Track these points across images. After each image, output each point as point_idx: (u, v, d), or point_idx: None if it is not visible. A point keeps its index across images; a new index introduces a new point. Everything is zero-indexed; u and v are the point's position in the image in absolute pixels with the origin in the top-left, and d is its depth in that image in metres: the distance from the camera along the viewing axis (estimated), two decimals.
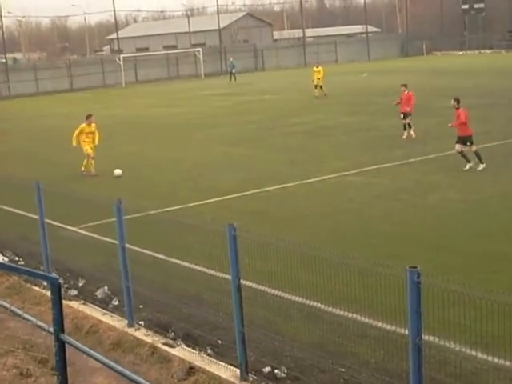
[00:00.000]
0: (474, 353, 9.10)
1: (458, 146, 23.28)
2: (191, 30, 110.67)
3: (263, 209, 19.71)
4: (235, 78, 72.53)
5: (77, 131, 26.63)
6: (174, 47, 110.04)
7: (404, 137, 29.67)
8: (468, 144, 23.03)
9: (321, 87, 49.91)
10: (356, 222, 17.76)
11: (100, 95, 67.74)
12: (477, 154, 22.88)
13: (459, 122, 23.31)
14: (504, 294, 8.00)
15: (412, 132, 29.79)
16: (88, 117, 26.91)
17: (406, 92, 30.67)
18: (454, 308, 8.72)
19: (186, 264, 13.95)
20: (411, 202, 19.40)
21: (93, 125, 26.73)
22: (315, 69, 50.78)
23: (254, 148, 30.09)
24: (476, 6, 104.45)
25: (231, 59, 78.80)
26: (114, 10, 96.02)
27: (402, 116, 30.16)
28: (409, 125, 30.11)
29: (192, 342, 11.05)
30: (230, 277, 9.87)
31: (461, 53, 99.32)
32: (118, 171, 25.48)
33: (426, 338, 7.85)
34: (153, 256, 15.10)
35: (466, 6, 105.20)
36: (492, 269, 13.46)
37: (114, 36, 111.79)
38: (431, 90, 48.99)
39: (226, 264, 9.93)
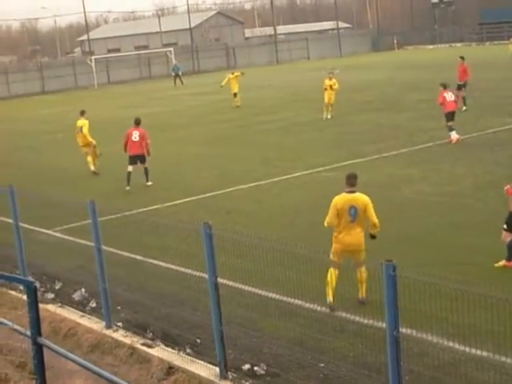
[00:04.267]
0: (451, 344, 9.16)
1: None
2: (162, 29, 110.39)
3: (239, 207, 19.73)
4: (182, 82, 70.29)
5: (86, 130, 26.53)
6: (146, 47, 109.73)
7: (464, 109, 32.54)
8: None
9: (331, 106, 36.48)
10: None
11: (72, 97, 67.39)
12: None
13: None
14: (479, 285, 8.06)
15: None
16: (82, 113, 26.94)
17: (462, 64, 33.90)
18: (431, 300, 8.79)
19: (163, 264, 13.95)
20: (386, 196, 19.46)
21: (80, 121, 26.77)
22: (328, 82, 36.78)
23: (228, 146, 30.08)
24: None
25: (175, 62, 78.09)
26: (85, 12, 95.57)
27: (457, 86, 32.91)
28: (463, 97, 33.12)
29: (171, 341, 11.05)
30: (207, 275, 9.87)
31: (432, 47, 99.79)
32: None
33: (403, 330, 7.89)
34: (130, 257, 15.06)
35: (436, 0, 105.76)
36: (468, 261, 13.55)
37: (84, 38, 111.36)
38: (403, 85, 49.25)
39: (203, 263, 9.93)
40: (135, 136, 23.31)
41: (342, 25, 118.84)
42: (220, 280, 9.94)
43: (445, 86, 27.71)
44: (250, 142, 30.95)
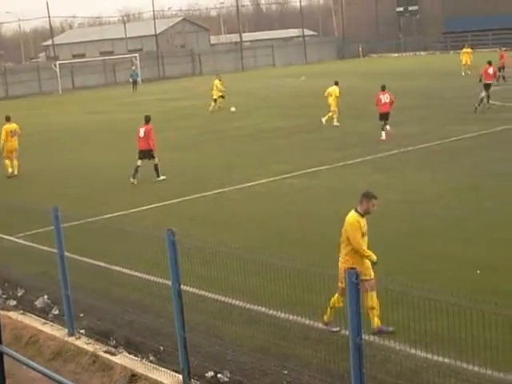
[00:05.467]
0: (414, 351, 9.22)
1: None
2: (128, 35, 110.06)
3: (203, 213, 19.69)
4: (136, 88, 71.02)
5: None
6: (111, 53, 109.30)
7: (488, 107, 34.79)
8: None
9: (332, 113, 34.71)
10: (297, 224, 17.83)
11: (36, 102, 66.94)
12: None
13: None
14: (443, 292, 8.11)
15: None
16: (8, 118, 27.50)
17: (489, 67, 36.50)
18: (394, 308, 8.82)
19: (127, 271, 13.87)
20: (351, 203, 19.45)
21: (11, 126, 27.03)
22: (330, 90, 35.08)
23: (194, 153, 30.03)
24: (410, 8, 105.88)
25: (133, 68, 78.01)
26: (49, 17, 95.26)
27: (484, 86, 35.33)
28: (488, 96, 35.51)
29: (134, 349, 10.98)
30: (170, 282, 9.83)
31: (396, 55, 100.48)
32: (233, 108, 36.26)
33: (366, 337, 7.91)
34: (93, 263, 14.97)
35: (401, 9, 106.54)
36: (433, 268, 13.62)
37: (49, 43, 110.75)
38: (367, 92, 49.43)
39: (167, 270, 9.89)
40: (141, 132, 24.80)
41: (307, 32, 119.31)
42: (183, 287, 9.91)
43: (383, 88, 30.11)
44: (216, 148, 30.92)
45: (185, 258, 10.09)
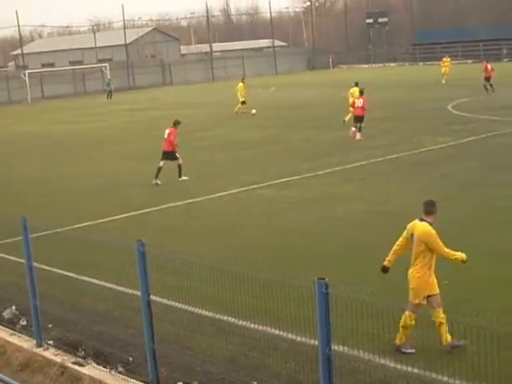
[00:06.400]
0: (383, 361, 9.24)
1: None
2: (97, 45, 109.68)
3: (173, 224, 19.64)
4: (111, 97, 71.71)
5: None
6: (81, 63, 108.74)
7: None
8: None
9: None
10: (266, 234, 17.85)
11: (5, 112, 66.48)
12: None
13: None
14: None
15: None
16: None
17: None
18: (363, 317, 8.84)
19: (96, 281, 13.80)
20: (320, 213, 19.60)
21: None
22: (352, 90, 36.69)
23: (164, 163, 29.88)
24: (380, 20, 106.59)
25: (109, 77, 77.88)
26: (18, 26, 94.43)
27: None
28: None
29: (102, 360, 10.91)
30: (139, 293, 9.79)
31: (366, 66, 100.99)
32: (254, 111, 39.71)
33: (335, 348, 7.92)
34: (62, 274, 14.87)
35: (371, 20, 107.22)
36: (400, 278, 13.65)
37: (18, 52, 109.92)
38: (337, 103, 49.66)
39: (136, 280, 9.86)
40: (166, 133, 25.94)
41: (277, 43, 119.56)
42: (153, 297, 9.88)
43: (361, 93, 33.26)
44: (186, 158, 30.79)
45: (154, 268, 10.06)
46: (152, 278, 9.83)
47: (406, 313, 10.30)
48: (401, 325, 10.36)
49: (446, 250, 10.69)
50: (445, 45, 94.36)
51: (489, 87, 47.94)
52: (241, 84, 47.79)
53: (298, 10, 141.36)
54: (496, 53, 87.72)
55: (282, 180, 24.20)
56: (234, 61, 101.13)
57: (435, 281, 10.60)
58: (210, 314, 10.88)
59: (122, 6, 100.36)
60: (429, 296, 10.35)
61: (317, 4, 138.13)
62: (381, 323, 8.51)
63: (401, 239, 11.19)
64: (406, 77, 69.29)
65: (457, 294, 12.08)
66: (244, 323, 10.72)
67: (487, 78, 48.49)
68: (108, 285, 13.00)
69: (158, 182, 25.01)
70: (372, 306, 7.96)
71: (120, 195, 23.94)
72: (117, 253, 11.23)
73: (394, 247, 11.27)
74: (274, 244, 16.87)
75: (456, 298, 11.61)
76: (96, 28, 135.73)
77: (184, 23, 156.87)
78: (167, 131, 25.85)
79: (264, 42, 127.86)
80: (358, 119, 32.37)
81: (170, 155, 25.55)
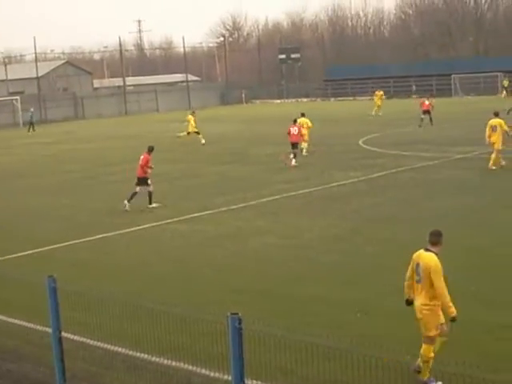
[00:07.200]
0: None
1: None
2: (9, 77, 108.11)
3: (85, 259, 19.40)
4: (33, 129, 71.99)
5: None
6: None
7: None
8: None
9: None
10: (179, 269, 17.80)
11: None
12: None
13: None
14: (322, 336, 8.23)
15: None
16: None
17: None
18: (276, 352, 8.89)
19: (4, 318, 13.53)
20: (233, 248, 19.64)
21: None
22: (302, 121, 38.71)
23: (76, 197, 29.63)
24: (293, 55, 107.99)
25: (31, 109, 77.24)
26: None
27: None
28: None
29: None
30: (50, 330, 9.65)
31: (279, 101, 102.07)
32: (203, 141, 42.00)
33: (248, 382, 7.94)
34: None
35: (283, 56, 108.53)
36: (313, 312, 13.79)
37: None
38: (250, 138, 50.08)
39: (47, 317, 9.71)
40: (140, 159, 26.44)
41: (191, 77, 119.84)
42: (64, 334, 9.75)
43: (294, 121, 35.99)
44: (98, 192, 30.62)
45: (66, 304, 9.93)
46: (63, 315, 9.70)
47: (424, 346, 10.18)
48: (423, 360, 10.20)
49: (446, 291, 10.22)
50: (356, 81, 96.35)
51: (428, 121, 50.17)
52: (190, 116, 48.98)
53: (211, 45, 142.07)
54: (406, 89, 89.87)
55: (196, 214, 24.20)
56: (148, 95, 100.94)
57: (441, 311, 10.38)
58: (123, 350, 10.78)
59: (34, 39, 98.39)
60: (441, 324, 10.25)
61: (230, 39, 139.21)
62: (293, 357, 8.56)
63: (409, 271, 10.79)
64: (319, 112, 70.08)
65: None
66: (157, 359, 10.65)
67: (425, 112, 50.67)
68: (17, 322, 12.79)
69: (127, 208, 25.38)
70: (285, 339, 8.01)
71: (29, 230, 23.55)
72: (27, 289, 11.06)
73: (407, 282, 10.88)
74: (187, 279, 16.83)
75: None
76: (7, 60, 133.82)
77: (97, 57, 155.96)
78: (141, 157, 26.38)
79: (178, 77, 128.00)
80: (294, 146, 34.88)
81: (142, 181, 25.98)
